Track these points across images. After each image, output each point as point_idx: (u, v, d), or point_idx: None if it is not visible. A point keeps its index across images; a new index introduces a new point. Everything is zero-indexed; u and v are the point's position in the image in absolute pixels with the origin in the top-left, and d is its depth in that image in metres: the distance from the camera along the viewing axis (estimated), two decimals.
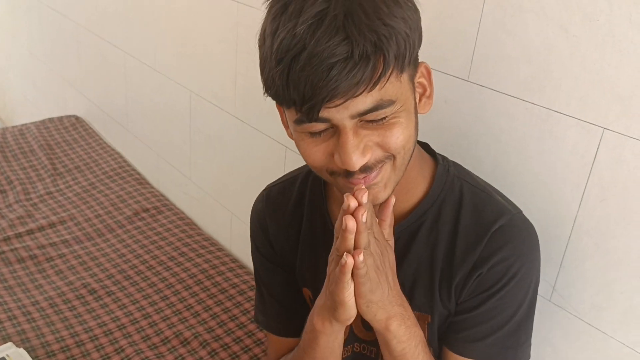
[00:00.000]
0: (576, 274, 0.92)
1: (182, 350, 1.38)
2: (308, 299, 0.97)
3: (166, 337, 1.42)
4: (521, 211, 0.85)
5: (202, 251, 1.73)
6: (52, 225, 1.87)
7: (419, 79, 0.77)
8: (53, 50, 2.74)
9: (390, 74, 0.66)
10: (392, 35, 0.64)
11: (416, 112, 0.76)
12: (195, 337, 1.41)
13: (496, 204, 0.83)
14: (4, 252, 1.72)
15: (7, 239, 1.78)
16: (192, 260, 1.69)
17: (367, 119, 0.70)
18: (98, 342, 1.40)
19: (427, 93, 0.79)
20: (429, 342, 0.85)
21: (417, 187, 0.85)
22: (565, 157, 0.90)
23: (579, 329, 0.94)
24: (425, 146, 0.90)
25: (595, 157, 0.86)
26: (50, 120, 2.52)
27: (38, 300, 1.53)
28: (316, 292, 0.91)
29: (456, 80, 1.02)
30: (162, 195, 2.04)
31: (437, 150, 0.90)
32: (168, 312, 1.50)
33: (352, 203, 0.67)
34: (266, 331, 1.04)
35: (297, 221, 0.95)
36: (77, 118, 2.55)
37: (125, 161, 2.23)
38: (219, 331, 1.43)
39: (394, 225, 0.83)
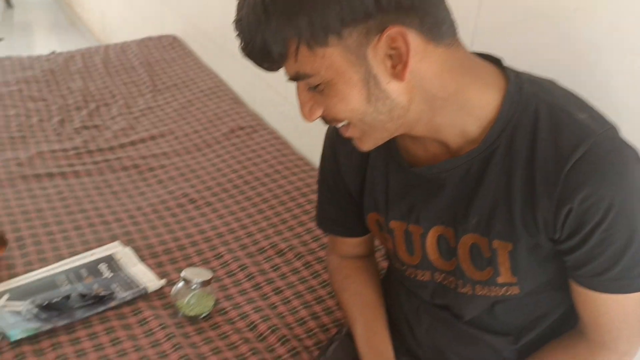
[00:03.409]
0: None
1: (277, 260, 1.41)
2: (374, 223, 0.97)
3: (262, 247, 1.45)
4: (611, 127, 0.75)
5: (296, 170, 1.74)
6: (152, 138, 1.93)
7: (391, 45, 0.71)
8: None
9: (297, 54, 0.72)
10: (276, 35, 0.71)
11: (376, 82, 0.73)
12: (291, 249, 1.43)
13: (577, 125, 0.74)
14: (109, 160, 1.80)
15: (111, 149, 1.86)
16: (287, 178, 1.70)
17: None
18: (198, 247, 1.45)
19: (404, 59, 0.72)
20: (513, 270, 0.82)
21: (484, 110, 0.78)
22: None
23: None
24: (496, 62, 0.82)
25: None
26: (150, 38, 2.58)
27: (141, 205, 1.60)
28: (387, 217, 0.92)
29: None
30: (257, 114, 2.06)
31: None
32: (264, 224, 1.53)
33: None
34: (328, 234, 1.12)
35: None
36: (174, 38, 2.59)
37: (221, 81, 2.26)
38: (314, 245, 1.45)
39: (464, 153, 0.80)
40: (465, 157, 0.80)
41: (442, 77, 0.75)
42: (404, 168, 0.88)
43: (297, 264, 1.40)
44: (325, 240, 1.46)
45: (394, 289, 1.01)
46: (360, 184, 0.96)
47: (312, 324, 1.24)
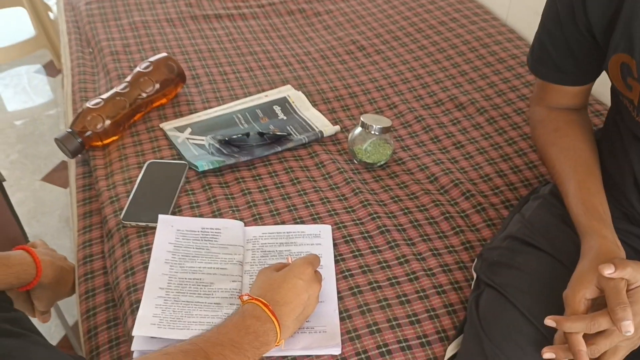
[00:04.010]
0: None
1: (457, 114, 1.31)
2: (617, 67, 0.80)
3: (439, 99, 1.35)
4: None
5: (475, 19, 1.57)
6: None
7: None
8: None
9: None
10: None
11: None
12: (472, 103, 1.32)
13: None
14: (273, 3, 1.73)
15: None
16: (465, 27, 1.55)
17: None
18: (370, 95, 1.38)
19: None
20: None
21: None
22: None
23: None
24: None
25: None
26: None
27: (309, 51, 1.54)
28: None
29: None
30: None
31: None
32: (440, 75, 1.42)
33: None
34: (543, 80, 0.97)
35: None
36: None
37: None
38: (497, 100, 1.32)
39: None
40: None
41: None
42: None
43: (480, 119, 1.29)
44: (511, 95, 1.33)
45: (621, 148, 0.88)
46: (611, 17, 0.79)
47: (498, 181, 1.15)
